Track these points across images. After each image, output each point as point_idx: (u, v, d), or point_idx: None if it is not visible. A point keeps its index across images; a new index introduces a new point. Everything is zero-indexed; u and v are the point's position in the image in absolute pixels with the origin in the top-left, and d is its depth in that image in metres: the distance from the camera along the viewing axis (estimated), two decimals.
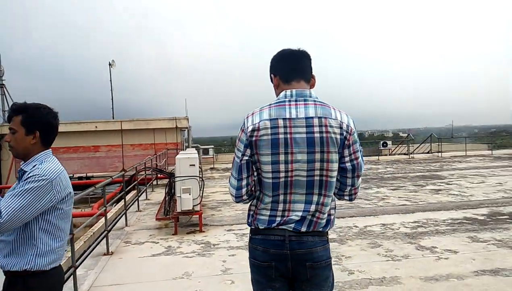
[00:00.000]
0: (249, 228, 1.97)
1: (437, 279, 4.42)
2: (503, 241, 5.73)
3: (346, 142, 1.82)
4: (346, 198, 1.96)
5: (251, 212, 1.93)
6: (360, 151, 1.89)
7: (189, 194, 6.67)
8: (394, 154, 27.05)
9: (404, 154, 24.89)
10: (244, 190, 1.88)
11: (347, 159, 1.85)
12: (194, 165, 6.77)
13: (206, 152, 24.33)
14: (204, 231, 6.91)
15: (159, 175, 13.32)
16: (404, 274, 4.61)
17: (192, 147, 21.61)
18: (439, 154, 22.85)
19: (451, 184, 11.58)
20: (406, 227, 6.73)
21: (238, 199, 1.91)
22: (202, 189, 7.20)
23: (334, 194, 1.92)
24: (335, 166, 1.82)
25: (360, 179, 1.94)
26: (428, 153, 24.93)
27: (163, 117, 21.53)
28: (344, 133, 1.80)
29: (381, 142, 30.76)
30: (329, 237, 6.36)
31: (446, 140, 28.80)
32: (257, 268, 1.88)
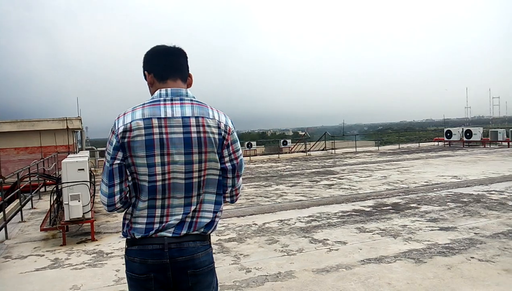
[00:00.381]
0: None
1: (328, 270, 4.64)
2: (386, 230, 6.23)
3: (224, 142, 1.77)
4: (228, 199, 1.90)
5: (126, 221, 1.78)
6: (240, 151, 1.85)
7: (78, 201, 6.19)
8: (293, 152, 28.24)
9: (302, 152, 26.12)
10: (117, 198, 1.73)
11: (226, 159, 1.80)
12: (83, 169, 6.30)
13: (103, 154, 23.05)
14: (96, 240, 6.47)
15: (47, 181, 12.25)
16: (298, 267, 4.77)
17: (87, 149, 20.31)
18: (333, 150, 24.38)
19: (342, 179, 12.38)
20: (302, 222, 7.01)
21: (111, 207, 1.75)
22: (93, 195, 6.75)
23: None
24: (215, 165, 1.77)
25: (241, 179, 1.91)
26: (323, 150, 26.43)
27: (52, 118, 19.85)
28: (223, 133, 1.76)
29: (281, 141, 31.94)
30: (228, 236, 6.29)
31: (338, 138, 30.86)
32: (135, 281, 1.75)
